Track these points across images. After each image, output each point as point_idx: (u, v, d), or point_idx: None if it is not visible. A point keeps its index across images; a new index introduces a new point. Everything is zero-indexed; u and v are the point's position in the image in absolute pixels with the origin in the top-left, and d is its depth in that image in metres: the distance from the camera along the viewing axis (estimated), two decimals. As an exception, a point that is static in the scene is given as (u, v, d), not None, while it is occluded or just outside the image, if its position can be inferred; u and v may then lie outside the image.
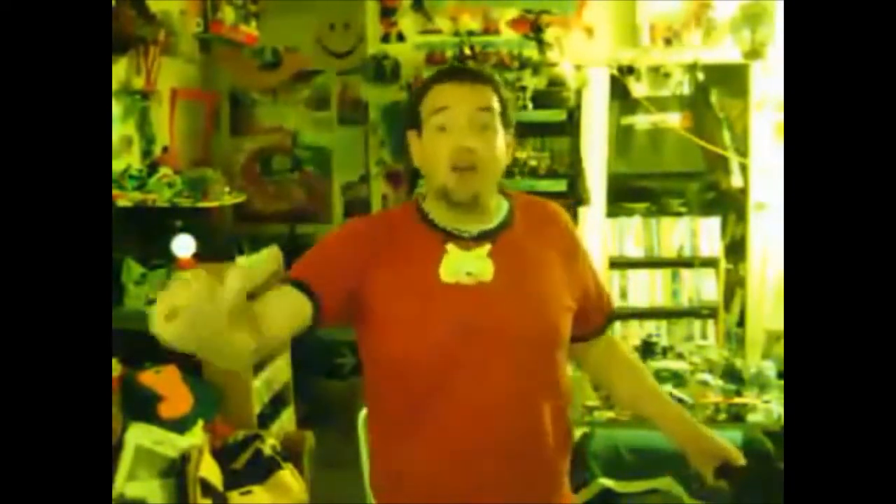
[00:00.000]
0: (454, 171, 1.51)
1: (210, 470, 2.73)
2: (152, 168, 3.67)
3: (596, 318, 1.73)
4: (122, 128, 3.72)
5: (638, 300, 4.84)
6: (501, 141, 1.56)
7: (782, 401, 3.21)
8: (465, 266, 1.52)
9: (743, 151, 4.73)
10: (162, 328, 1.07)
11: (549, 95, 4.55)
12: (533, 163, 4.60)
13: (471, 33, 4.60)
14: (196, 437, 2.84)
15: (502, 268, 1.53)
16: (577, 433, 2.89)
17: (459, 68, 1.74)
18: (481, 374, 1.49)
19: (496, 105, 1.54)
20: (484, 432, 1.50)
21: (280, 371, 3.77)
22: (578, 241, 1.70)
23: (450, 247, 1.53)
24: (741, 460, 1.62)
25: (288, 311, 1.42)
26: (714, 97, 4.85)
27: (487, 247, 1.54)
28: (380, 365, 1.57)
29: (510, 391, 1.51)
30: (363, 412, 2.10)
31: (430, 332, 1.49)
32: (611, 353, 1.79)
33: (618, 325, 4.88)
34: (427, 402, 1.51)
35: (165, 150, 4.09)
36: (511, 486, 1.54)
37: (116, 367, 2.81)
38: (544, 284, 1.57)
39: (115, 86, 3.61)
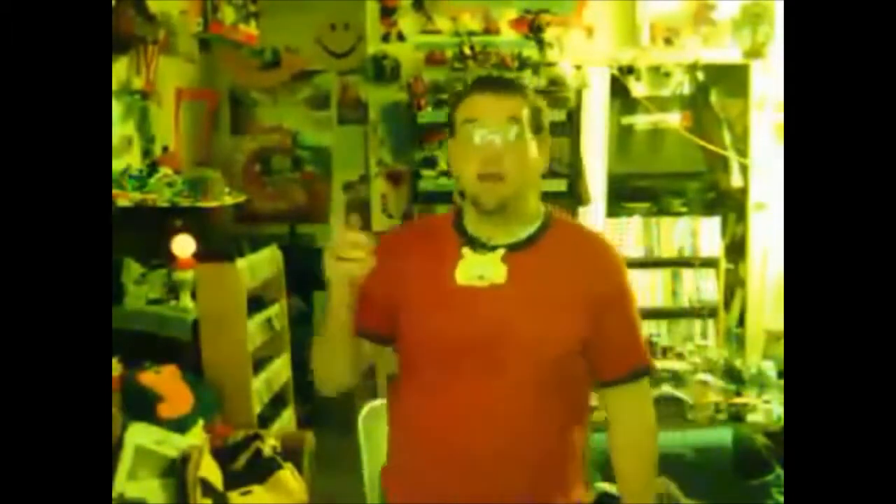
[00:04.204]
0: (481, 181, 1.57)
1: (210, 470, 2.73)
2: (152, 168, 3.66)
3: (614, 368, 1.68)
4: (122, 128, 3.72)
5: (638, 300, 4.83)
6: (532, 148, 1.60)
7: (782, 401, 3.21)
8: (478, 269, 1.60)
9: (743, 151, 4.73)
10: (342, 267, 1.46)
11: (549, 95, 4.54)
12: (533, 163, 4.59)
13: (471, 33, 4.59)
14: (196, 437, 2.84)
15: (516, 273, 1.59)
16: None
17: (489, 79, 1.75)
18: (485, 369, 1.58)
19: (525, 114, 1.59)
20: (480, 427, 1.59)
21: (280, 371, 3.77)
22: (617, 286, 1.67)
23: (465, 251, 1.62)
24: None
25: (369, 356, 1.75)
26: (714, 97, 4.85)
27: (502, 251, 1.60)
28: (403, 349, 1.70)
29: (508, 389, 1.59)
30: (363, 411, 2.11)
31: (442, 327, 1.61)
32: (618, 413, 1.72)
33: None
34: (437, 388, 1.63)
35: (165, 150, 4.09)
36: (505, 479, 1.61)
37: (116, 367, 2.81)
38: (556, 299, 1.60)
39: (115, 86, 3.61)
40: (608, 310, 1.64)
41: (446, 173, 4.61)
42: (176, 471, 2.66)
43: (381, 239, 1.65)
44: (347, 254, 1.47)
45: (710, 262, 4.83)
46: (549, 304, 1.60)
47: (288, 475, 2.91)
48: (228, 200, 3.92)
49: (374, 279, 1.56)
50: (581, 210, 4.66)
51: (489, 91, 1.60)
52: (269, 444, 2.97)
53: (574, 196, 4.60)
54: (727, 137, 4.82)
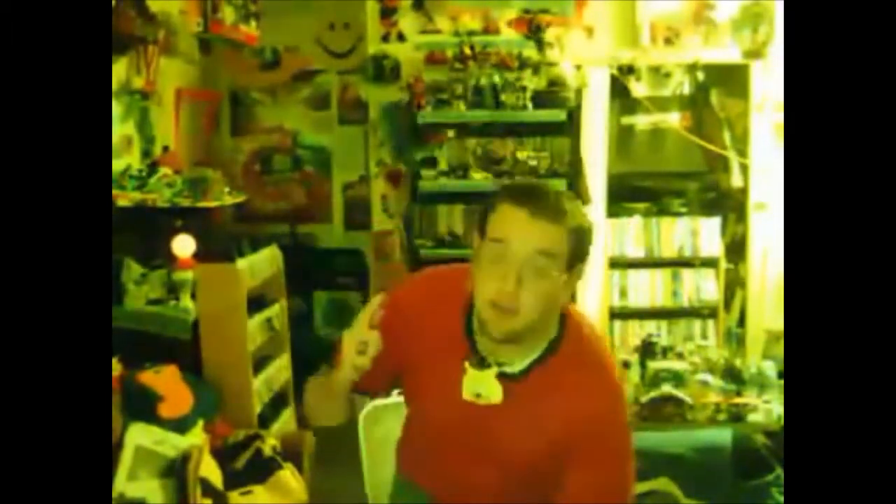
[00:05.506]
0: (494, 309, 1.45)
1: (210, 470, 2.73)
2: (152, 168, 3.66)
3: None
4: (122, 128, 3.72)
5: (638, 300, 4.84)
6: (557, 286, 1.46)
7: (782, 401, 3.21)
8: (475, 387, 1.55)
9: (743, 151, 4.73)
10: (353, 359, 1.47)
11: (549, 95, 4.55)
12: (533, 163, 4.60)
13: (471, 33, 4.59)
14: (196, 437, 2.84)
15: (512, 397, 1.54)
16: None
17: (535, 192, 1.48)
18: (468, 468, 1.62)
19: (560, 246, 1.44)
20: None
21: (280, 371, 3.77)
22: (603, 438, 1.54)
23: (467, 366, 1.55)
24: None
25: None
26: (714, 97, 4.85)
27: (496, 370, 1.53)
28: (408, 411, 1.78)
29: (487, 487, 1.62)
30: (363, 411, 2.11)
31: (440, 430, 1.65)
32: None
33: (618, 324, 4.88)
34: (427, 459, 1.72)
35: (165, 150, 4.09)
36: None
37: (116, 367, 2.81)
38: (545, 431, 1.54)
39: (115, 86, 3.61)
40: (597, 449, 1.53)
41: (446, 173, 4.63)
42: (176, 471, 2.66)
43: (390, 301, 1.56)
44: (365, 348, 1.48)
45: (710, 262, 4.83)
46: (540, 432, 1.53)
47: (288, 475, 2.91)
48: (228, 200, 3.92)
49: (379, 364, 1.53)
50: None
51: (523, 206, 1.43)
52: (269, 444, 2.97)
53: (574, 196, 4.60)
54: (727, 137, 4.82)
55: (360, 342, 1.48)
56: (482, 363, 1.54)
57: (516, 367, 1.55)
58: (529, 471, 1.60)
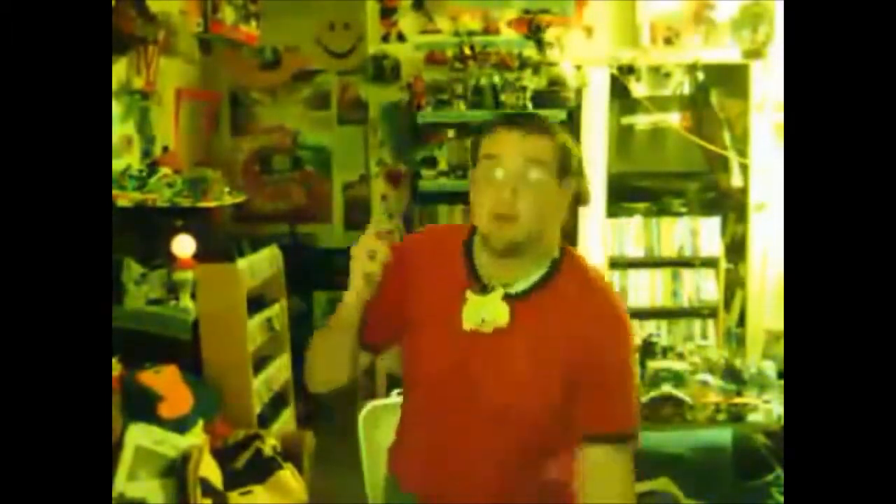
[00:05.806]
0: (494, 220, 1.52)
1: (210, 470, 2.73)
2: (152, 168, 3.66)
3: (596, 424, 1.57)
4: (122, 128, 3.71)
5: (638, 300, 4.84)
6: (551, 192, 1.53)
7: (782, 401, 3.21)
8: (480, 312, 1.55)
9: (743, 151, 4.73)
10: (364, 265, 1.50)
11: (549, 95, 4.54)
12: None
13: (471, 33, 4.60)
14: (196, 437, 2.84)
15: (517, 321, 1.55)
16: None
17: (518, 115, 1.66)
18: (475, 411, 1.59)
19: (549, 155, 1.52)
20: (457, 463, 1.63)
21: (280, 371, 3.78)
22: (612, 347, 1.57)
23: (468, 294, 1.57)
24: None
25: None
26: (714, 97, 4.85)
27: (501, 290, 1.56)
28: (404, 372, 1.73)
29: (492, 430, 1.59)
30: (363, 411, 2.11)
31: (442, 374, 1.61)
32: (592, 475, 1.56)
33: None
34: (427, 421, 1.68)
35: (165, 150, 4.09)
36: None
37: (116, 367, 2.81)
38: (552, 350, 1.56)
39: (115, 86, 3.61)
40: (601, 367, 1.56)
41: (446, 173, 4.63)
42: (176, 471, 2.66)
43: (392, 250, 1.58)
44: (374, 254, 1.51)
45: (710, 262, 4.83)
46: (546, 355, 1.55)
47: (288, 475, 2.91)
48: (228, 200, 3.92)
49: (380, 295, 1.55)
50: (581, 210, 4.65)
51: (514, 128, 1.54)
52: (269, 444, 2.97)
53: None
54: (727, 137, 4.82)
55: (369, 250, 1.51)
56: (485, 289, 1.56)
57: (520, 286, 1.57)
58: (530, 431, 1.58)
